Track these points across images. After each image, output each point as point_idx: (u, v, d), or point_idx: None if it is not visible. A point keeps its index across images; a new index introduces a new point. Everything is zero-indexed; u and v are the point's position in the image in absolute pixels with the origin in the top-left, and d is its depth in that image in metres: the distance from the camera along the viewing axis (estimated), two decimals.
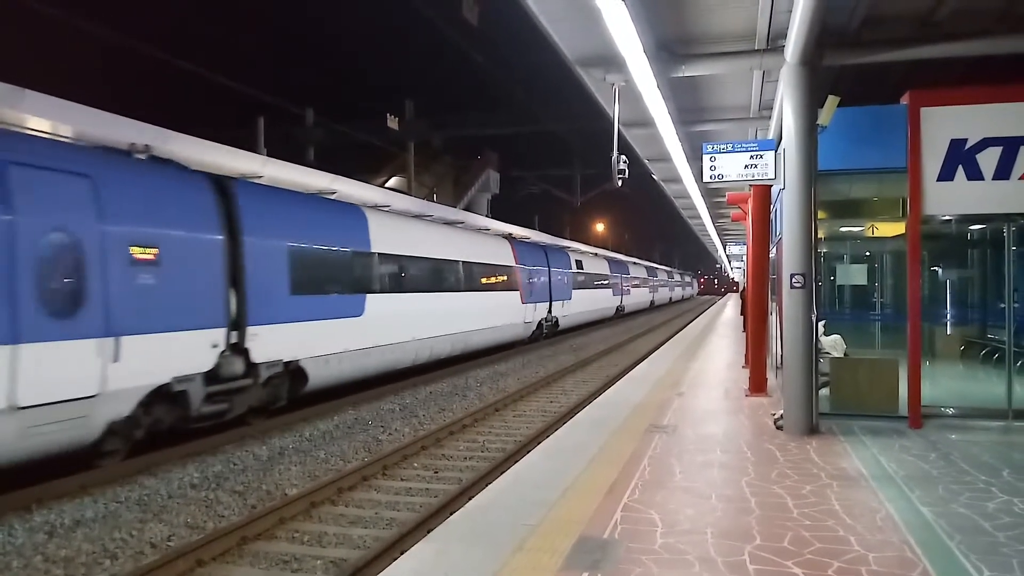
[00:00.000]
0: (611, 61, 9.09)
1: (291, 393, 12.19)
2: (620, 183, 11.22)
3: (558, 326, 28.58)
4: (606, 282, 37.69)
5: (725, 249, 42.94)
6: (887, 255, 11.30)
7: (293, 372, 12.04)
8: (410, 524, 6.98)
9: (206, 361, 10.13)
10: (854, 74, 9.55)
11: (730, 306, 49.09)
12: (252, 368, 11.00)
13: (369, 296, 14.25)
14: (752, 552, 4.69)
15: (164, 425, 9.69)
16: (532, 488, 6.11)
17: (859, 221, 10.07)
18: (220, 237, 10.51)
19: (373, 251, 14.65)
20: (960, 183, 8.36)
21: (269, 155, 16.40)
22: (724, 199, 18.33)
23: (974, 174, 8.32)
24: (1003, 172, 8.25)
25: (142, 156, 10.29)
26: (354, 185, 17.20)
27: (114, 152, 9.80)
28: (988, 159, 8.28)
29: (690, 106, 11.82)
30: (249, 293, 10.90)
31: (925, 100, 8.47)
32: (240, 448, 10.19)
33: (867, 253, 11.22)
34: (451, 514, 5.69)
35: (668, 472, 6.62)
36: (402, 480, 8.97)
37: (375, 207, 16.80)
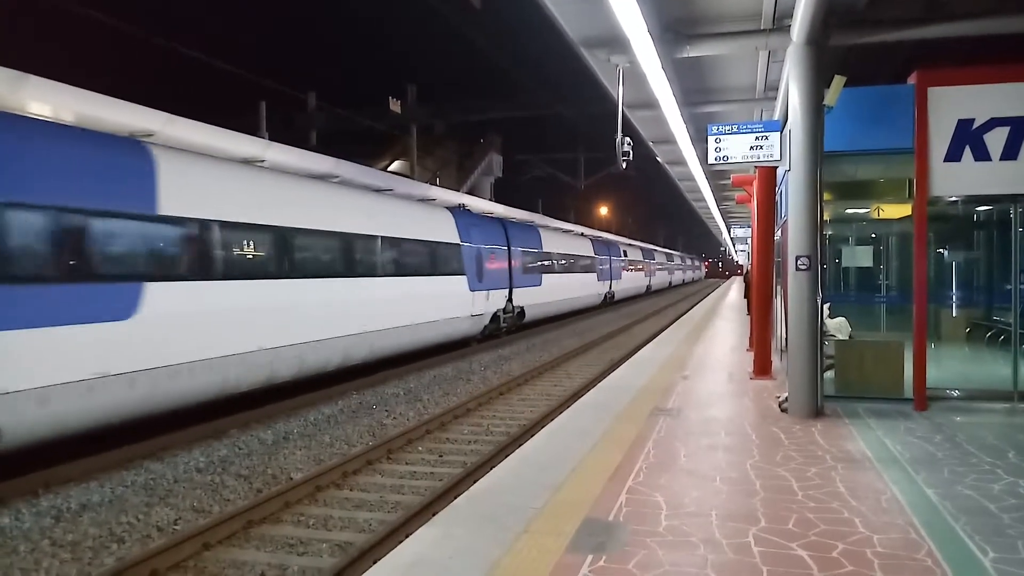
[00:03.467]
0: (615, 42, 9.02)
1: (519, 321, 23.30)
2: (624, 166, 11.16)
3: (615, 298, 39.45)
4: (639, 267, 48.68)
5: (729, 232, 42.83)
6: (893, 237, 11.24)
7: (520, 312, 23.21)
8: (415, 508, 6.99)
9: (503, 303, 21.58)
10: (861, 54, 9.46)
11: (734, 289, 49.04)
12: (513, 308, 22.42)
13: (544, 275, 25.90)
14: (757, 534, 4.69)
15: (491, 331, 20.93)
16: (537, 471, 6.11)
17: (865, 202, 10.01)
18: (506, 248, 22.20)
19: (545, 251, 26.36)
20: (967, 164, 8.29)
21: (271, 140, 16.33)
22: (729, 181, 18.27)
23: (981, 155, 8.24)
24: (1011, 152, 8.17)
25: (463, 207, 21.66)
26: (357, 170, 17.14)
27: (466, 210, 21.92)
28: (996, 139, 8.20)
29: (695, 87, 11.73)
30: (513, 273, 22.46)
31: (932, 80, 8.38)
32: (245, 432, 10.23)
33: (873, 235, 11.16)
34: (456, 498, 5.70)
35: (673, 455, 6.62)
36: (407, 464, 8.99)
37: (544, 226, 29.96)
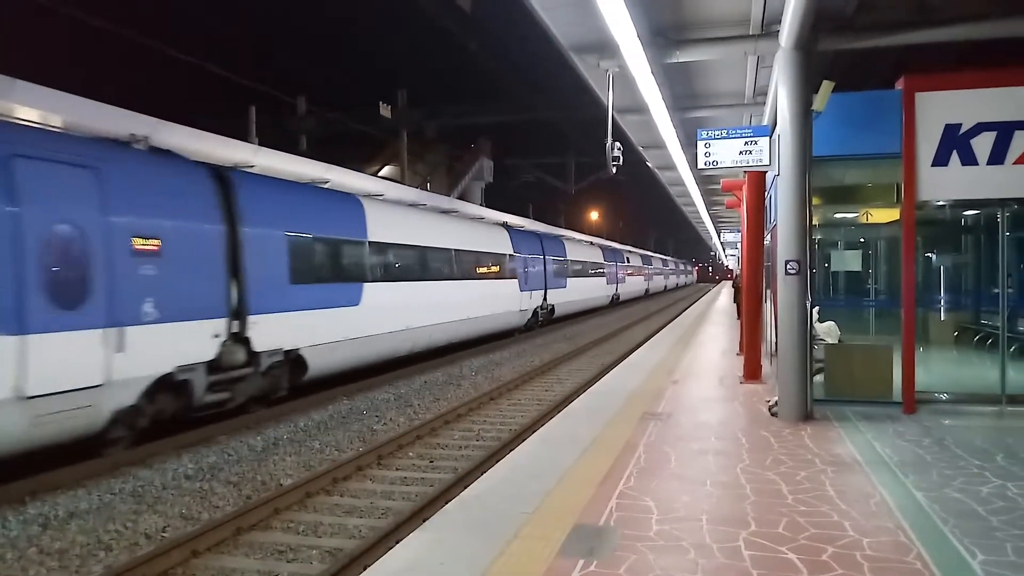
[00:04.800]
0: (605, 47, 9.03)
1: (550, 316, 28.31)
2: (614, 170, 11.18)
3: (620, 299, 44.19)
4: (639, 272, 53.47)
5: (720, 236, 42.97)
6: (881, 241, 11.29)
7: (552, 309, 28.14)
8: (405, 513, 6.97)
9: (540, 301, 26.45)
10: (849, 59, 9.52)
11: (724, 294, 49.23)
12: (547, 305, 27.30)
13: (568, 279, 30.67)
14: (747, 538, 4.69)
15: (530, 324, 25.66)
16: (527, 477, 6.11)
17: (853, 207, 10.05)
18: (542, 256, 27.09)
19: (569, 259, 31.17)
20: (955, 168, 8.35)
21: (261, 144, 16.27)
22: (718, 186, 18.33)
23: (968, 159, 8.31)
24: (997, 157, 8.24)
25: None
26: (347, 174, 17.11)
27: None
28: (982, 144, 8.27)
29: (684, 92, 11.77)
30: (547, 277, 27.38)
31: (920, 85, 8.44)
32: (234, 439, 10.17)
33: (861, 239, 11.21)
34: (446, 503, 5.68)
35: (663, 460, 6.63)
36: (397, 470, 8.96)
37: (568, 238, 36.01)
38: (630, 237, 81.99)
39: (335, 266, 13.49)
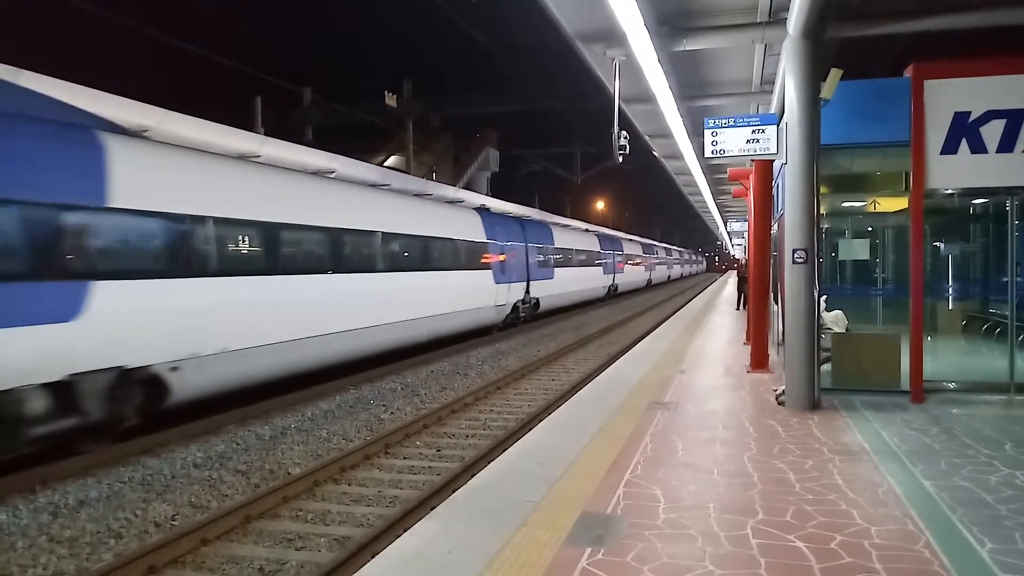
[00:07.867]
0: (611, 36, 8.99)
1: (615, 292, 41.44)
2: (621, 160, 11.15)
3: (652, 283, 56.83)
4: (663, 261, 65.84)
5: (726, 226, 42.88)
6: (889, 230, 11.25)
7: (616, 287, 41.13)
8: (413, 502, 6.99)
9: (611, 282, 39.43)
10: (857, 47, 9.44)
11: (731, 283, 49.11)
12: (615, 284, 40.75)
13: (624, 267, 43.13)
14: (754, 526, 4.70)
15: (604, 296, 38.73)
16: (535, 465, 6.12)
17: (861, 196, 10.01)
18: (611, 252, 40.20)
19: (624, 252, 43.85)
20: (963, 156, 8.30)
21: (267, 135, 16.28)
22: (725, 175, 18.24)
23: (977, 147, 8.25)
24: (1007, 145, 8.18)
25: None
26: (353, 165, 17.10)
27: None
28: (992, 132, 8.21)
29: (691, 81, 11.71)
30: (615, 266, 40.54)
31: (929, 72, 8.38)
32: (243, 428, 10.22)
33: (869, 228, 11.16)
34: (454, 492, 5.70)
35: (670, 448, 6.63)
36: (404, 458, 8.99)
37: (621, 238, 48.21)
38: (636, 227, 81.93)
39: (546, 259, 26.63)
